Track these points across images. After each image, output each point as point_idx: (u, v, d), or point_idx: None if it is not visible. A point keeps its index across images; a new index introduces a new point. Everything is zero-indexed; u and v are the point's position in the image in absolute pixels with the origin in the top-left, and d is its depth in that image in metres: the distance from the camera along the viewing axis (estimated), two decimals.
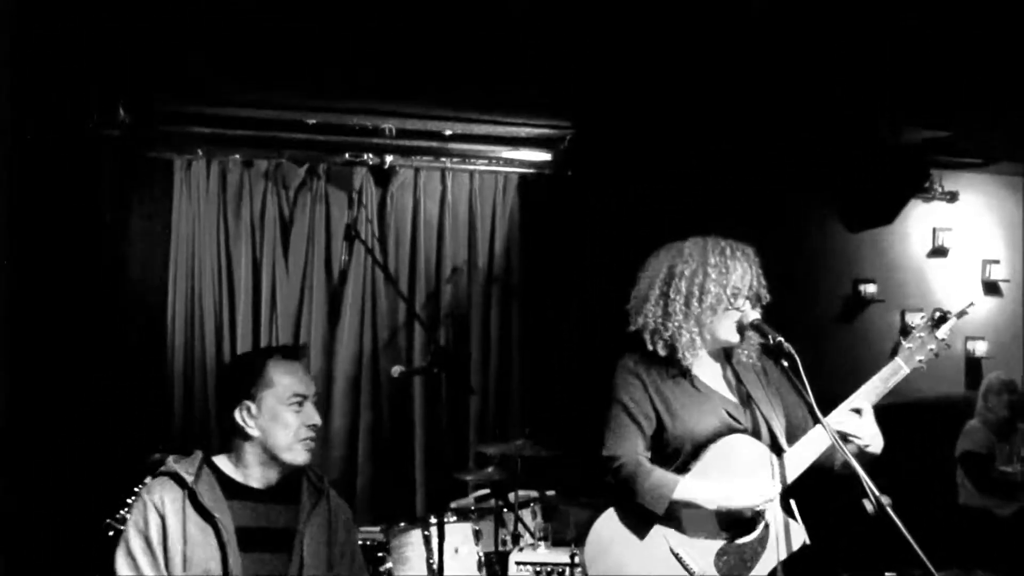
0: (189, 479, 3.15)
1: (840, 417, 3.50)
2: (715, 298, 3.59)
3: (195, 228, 7.32)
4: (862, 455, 3.45)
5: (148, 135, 7.15)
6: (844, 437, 3.45)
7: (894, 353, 3.63)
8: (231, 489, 3.23)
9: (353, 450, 7.53)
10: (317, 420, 3.27)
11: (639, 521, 3.52)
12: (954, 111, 7.29)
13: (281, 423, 3.20)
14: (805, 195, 8.12)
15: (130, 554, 3.09)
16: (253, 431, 3.21)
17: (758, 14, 5.66)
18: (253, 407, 3.22)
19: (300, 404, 3.24)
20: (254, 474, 3.26)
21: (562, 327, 7.64)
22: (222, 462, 3.29)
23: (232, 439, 3.27)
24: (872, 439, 3.51)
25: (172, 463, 3.22)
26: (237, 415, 3.22)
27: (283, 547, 3.23)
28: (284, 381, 3.23)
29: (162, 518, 3.10)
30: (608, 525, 3.56)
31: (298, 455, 3.23)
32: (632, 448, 3.57)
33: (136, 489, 4.21)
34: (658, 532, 3.51)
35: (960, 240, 8.73)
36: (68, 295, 6.72)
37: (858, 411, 3.53)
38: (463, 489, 6.92)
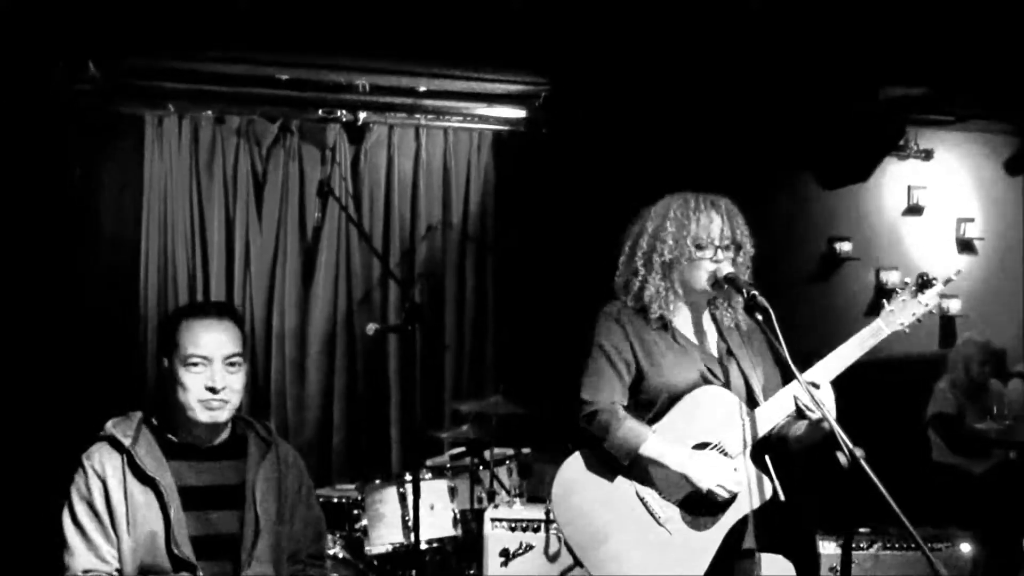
0: (126, 442, 3.10)
1: (796, 391, 3.48)
2: (676, 249, 3.58)
3: (167, 185, 7.27)
4: (814, 429, 3.45)
5: (119, 90, 7.07)
6: (800, 410, 3.45)
7: (875, 309, 3.61)
8: (172, 449, 3.18)
9: (328, 408, 7.54)
10: (215, 383, 3.14)
11: (607, 465, 3.53)
12: (930, 68, 7.28)
13: (180, 384, 3.13)
14: (780, 152, 8.10)
15: (76, 521, 3.06)
16: (168, 390, 3.18)
17: None
18: (165, 366, 3.18)
19: (200, 367, 3.14)
20: (185, 432, 3.21)
21: (537, 284, 7.62)
22: (161, 422, 3.23)
23: (164, 396, 3.22)
24: (829, 411, 3.50)
25: (110, 427, 3.17)
26: (160, 372, 3.21)
27: (232, 503, 3.20)
28: (186, 342, 3.16)
29: (103, 482, 3.06)
30: (575, 467, 3.57)
31: (200, 415, 3.15)
32: (609, 394, 3.57)
33: None
34: (626, 477, 3.52)
35: (935, 198, 8.74)
36: (37, 253, 6.67)
37: (816, 384, 3.51)
38: (438, 447, 6.92)
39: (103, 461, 3.10)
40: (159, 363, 3.23)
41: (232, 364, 3.20)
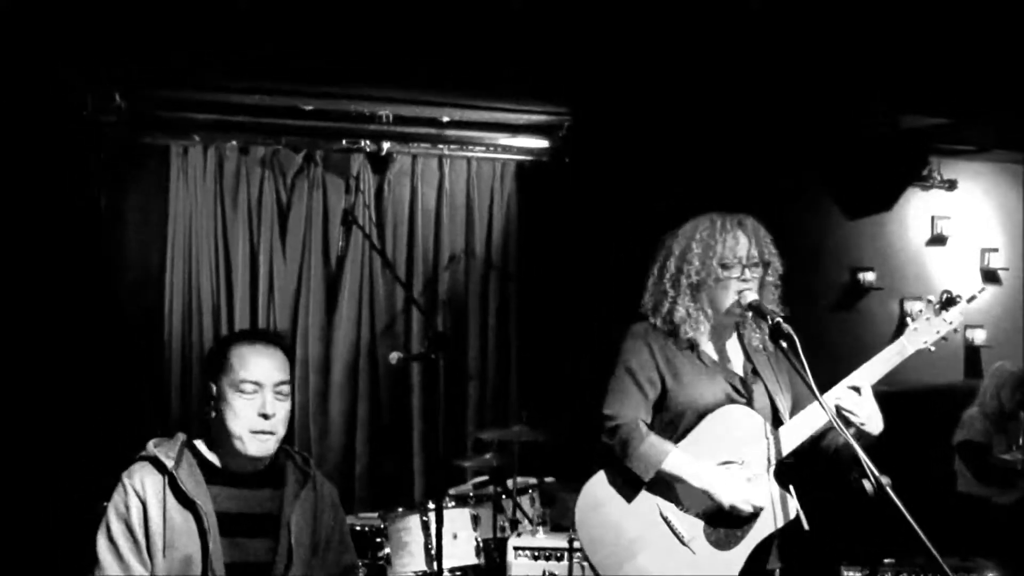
0: (169, 464, 3.07)
1: (838, 394, 3.50)
2: (703, 271, 3.62)
3: (192, 215, 7.31)
4: (861, 435, 3.45)
5: (144, 121, 7.13)
6: (842, 415, 3.44)
7: (899, 334, 3.61)
8: (213, 474, 3.16)
9: (351, 436, 7.54)
10: (268, 410, 3.12)
11: (630, 484, 3.54)
12: (953, 98, 7.27)
13: (231, 409, 3.10)
14: (803, 181, 8.11)
15: (111, 539, 3.03)
16: (213, 414, 3.15)
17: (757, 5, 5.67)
18: (214, 390, 3.15)
19: (252, 392, 3.12)
20: (228, 459, 3.18)
21: (560, 313, 7.62)
22: (203, 446, 3.21)
23: (206, 421, 3.19)
24: (869, 418, 3.50)
25: (152, 447, 3.13)
26: (206, 397, 3.18)
27: (268, 532, 3.17)
28: (239, 366, 3.13)
29: (143, 503, 3.04)
30: (599, 486, 3.58)
31: (249, 446, 3.12)
32: (632, 411, 3.59)
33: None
34: (649, 496, 3.53)
35: (959, 228, 8.72)
36: (64, 283, 6.71)
37: (857, 389, 3.52)
38: (461, 475, 6.92)
39: (144, 481, 3.07)
40: (205, 387, 3.19)
41: (280, 392, 3.18)
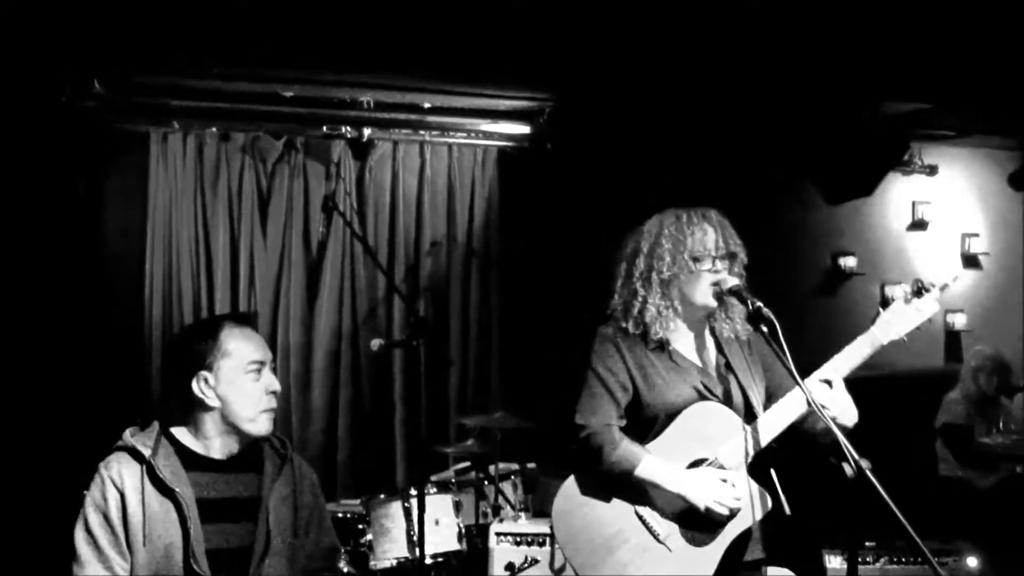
0: (146, 452, 3.07)
1: (810, 387, 3.46)
2: (675, 266, 3.60)
3: (172, 202, 7.27)
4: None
5: (123, 107, 7.09)
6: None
7: (872, 324, 3.59)
8: (191, 460, 3.15)
9: (333, 423, 7.53)
10: (277, 386, 3.18)
11: (605, 485, 3.54)
12: (934, 84, 7.28)
13: (241, 392, 3.12)
14: (784, 167, 8.11)
15: (88, 530, 3.03)
16: (213, 401, 3.12)
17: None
18: (211, 377, 3.12)
19: (258, 371, 3.16)
20: (215, 444, 3.18)
21: (541, 299, 7.62)
22: (181, 433, 3.19)
23: (191, 411, 3.17)
24: (842, 411, 3.48)
25: (129, 437, 3.14)
26: (195, 386, 3.12)
27: (247, 516, 3.16)
28: (240, 349, 3.15)
29: (121, 494, 3.03)
30: (574, 487, 3.59)
31: (260, 425, 3.16)
32: (603, 417, 3.58)
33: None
34: (625, 495, 3.53)
35: (940, 213, 8.76)
36: (43, 270, 6.69)
37: (828, 382, 3.51)
38: (443, 461, 6.92)
39: (121, 471, 3.06)
40: (193, 379, 3.14)
41: (275, 369, 3.29)
